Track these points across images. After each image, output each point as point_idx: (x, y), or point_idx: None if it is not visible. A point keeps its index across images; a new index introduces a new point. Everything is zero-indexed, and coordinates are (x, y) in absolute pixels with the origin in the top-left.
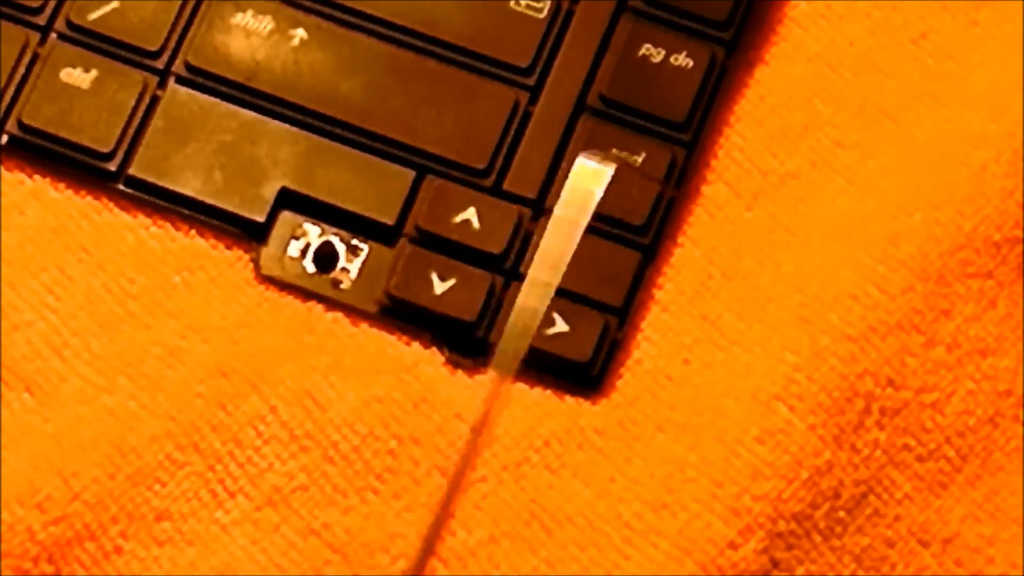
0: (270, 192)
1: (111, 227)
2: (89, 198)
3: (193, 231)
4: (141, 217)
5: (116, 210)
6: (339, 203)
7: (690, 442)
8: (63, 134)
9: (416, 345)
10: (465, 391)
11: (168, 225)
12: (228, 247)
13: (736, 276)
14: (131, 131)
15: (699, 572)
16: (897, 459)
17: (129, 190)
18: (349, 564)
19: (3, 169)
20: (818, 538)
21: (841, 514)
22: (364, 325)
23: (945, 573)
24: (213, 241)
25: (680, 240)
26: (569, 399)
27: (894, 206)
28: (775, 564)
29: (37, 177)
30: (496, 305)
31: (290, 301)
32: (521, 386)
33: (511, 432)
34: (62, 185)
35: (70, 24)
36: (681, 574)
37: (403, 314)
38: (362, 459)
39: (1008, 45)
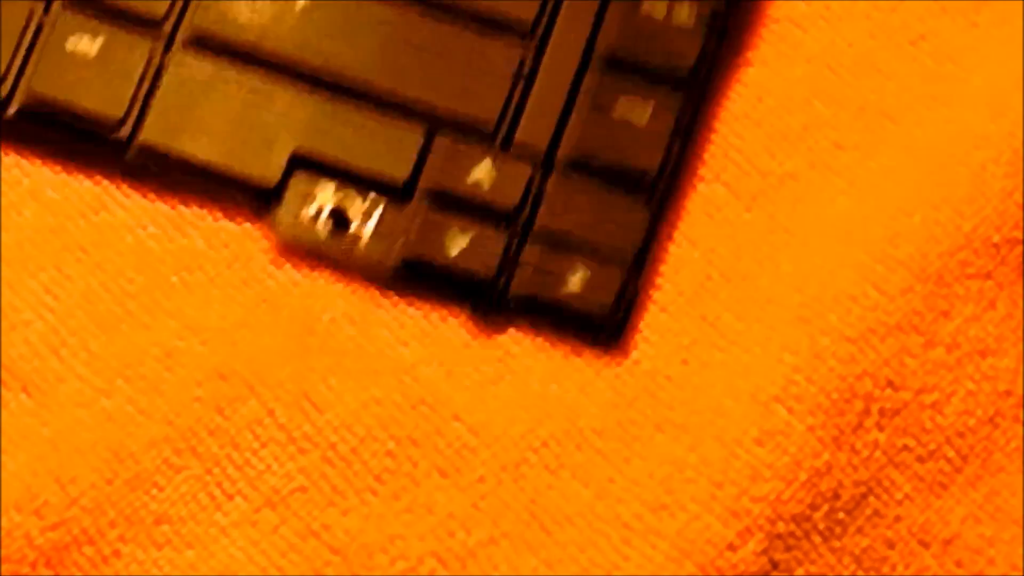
0: (282, 155)
1: (110, 227)
2: (88, 197)
3: (193, 232)
4: (140, 217)
5: (115, 209)
6: (351, 163)
7: (689, 443)
8: (72, 103)
9: (415, 345)
10: (464, 392)
11: (167, 225)
12: (227, 246)
13: (735, 277)
14: (140, 98)
15: (698, 573)
16: (897, 460)
17: (139, 161)
18: (349, 565)
19: (4, 157)
20: (817, 539)
21: (841, 515)
22: (372, 300)
23: (945, 574)
24: (213, 241)
25: (679, 240)
26: (572, 395)
27: (893, 207)
28: (774, 565)
29: (36, 176)
30: (513, 259)
31: (289, 302)
32: (540, 341)
33: (510, 432)
34: (61, 184)
35: None
36: (680, 575)
37: (420, 274)
38: (360, 460)
39: (1007, 46)
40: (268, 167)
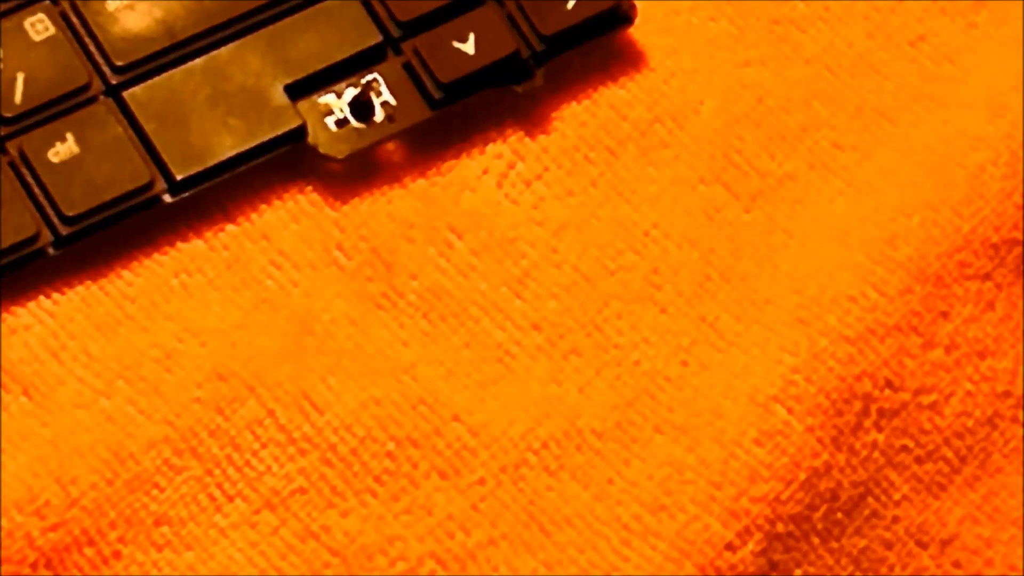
0: (280, 98)
1: None
2: None
3: (192, 233)
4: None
5: None
6: (330, 60)
7: (688, 444)
8: (107, 198)
9: (415, 346)
10: (464, 392)
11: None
12: (226, 247)
13: (734, 277)
14: (144, 151)
15: (697, 574)
16: (895, 460)
17: (186, 193)
18: (348, 566)
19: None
20: (816, 540)
21: (839, 516)
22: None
23: (943, 574)
24: (212, 242)
25: (679, 240)
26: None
27: (892, 208)
28: (773, 566)
29: None
30: (524, 21)
31: (288, 302)
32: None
33: (510, 433)
34: None
35: (12, 118)
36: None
37: (460, 92)
38: (360, 461)
39: (1006, 47)
40: (282, 115)
